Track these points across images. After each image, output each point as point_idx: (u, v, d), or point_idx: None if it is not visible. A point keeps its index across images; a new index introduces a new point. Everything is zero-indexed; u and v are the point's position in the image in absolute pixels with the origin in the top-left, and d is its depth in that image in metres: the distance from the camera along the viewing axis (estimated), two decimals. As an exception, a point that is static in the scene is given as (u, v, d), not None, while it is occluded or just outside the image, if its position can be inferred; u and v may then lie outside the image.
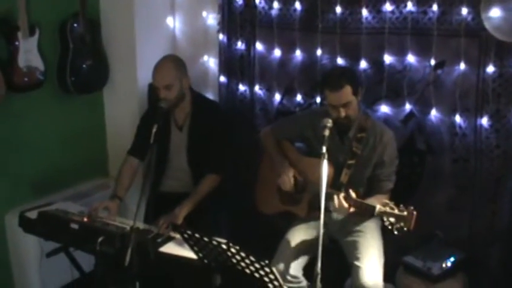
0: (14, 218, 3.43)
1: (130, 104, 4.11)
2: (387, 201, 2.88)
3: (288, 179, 3.30)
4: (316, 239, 2.68)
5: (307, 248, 3.23)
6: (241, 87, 4.12)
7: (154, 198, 3.49)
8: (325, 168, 2.73)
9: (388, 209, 2.83)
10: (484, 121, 3.36)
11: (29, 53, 3.56)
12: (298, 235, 3.29)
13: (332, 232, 3.36)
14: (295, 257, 3.22)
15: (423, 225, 3.54)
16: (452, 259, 3.39)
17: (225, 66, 4.14)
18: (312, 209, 3.22)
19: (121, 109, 4.21)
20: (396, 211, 2.81)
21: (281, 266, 3.16)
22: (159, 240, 3.04)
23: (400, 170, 3.40)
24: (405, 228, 2.79)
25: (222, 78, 4.16)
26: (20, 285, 3.81)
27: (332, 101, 3.13)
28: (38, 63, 3.62)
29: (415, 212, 2.78)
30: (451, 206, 3.54)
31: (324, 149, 2.77)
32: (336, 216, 3.34)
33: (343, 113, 3.11)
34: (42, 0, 3.66)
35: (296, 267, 3.22)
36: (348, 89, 3.09)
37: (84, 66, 3.90)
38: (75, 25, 3.80)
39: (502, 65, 3.26)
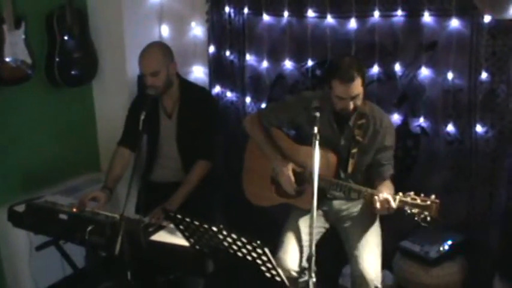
0: (3, 214, 3.36)
1: (121, 97, 4.05)
2: (409, 193, 2.77)
3: (289, 180, 3.13)
4: (318, 228, 2.59)
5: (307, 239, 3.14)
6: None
7: (146, 188, 3.43)
8: (317, 150, 2.68)
9: (409, 200, 2.74)
10: (478, 101, 3.31)
11: (15, 46, 3.52)
12: (300, 226, 3.17)
13: (332, 220, 3.29)
14: (299, 248, 3.12)
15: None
16: (449, 242, 3.35)
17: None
18: (318, 200, 3.10)
19: (111, 102, 4.16)
20: (419, 201, 2.73)
21: (285, 257, 3.08)
22: (150, 229, 3.01)
23: (395, 153, 3.36)
24: (428, 218, 2.71)
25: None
26: (11, 280, 3.76)
27: (342, 93, 2.93)
28: (25, 56, 3.57)
29: (438, 200, 2.71)
30: (447, 189, 3.49)
31: (316, 129, 2.71)
32: (337, 205, 3.26)
33: (351, 106, 2.95)
34: (27, -8, 3.63)
35: (300, 258, 3.12)
36: (359, 81, 2.90)
37: (72, 58, 3.86)
38: (62, 17, 3.75)
39: (496, 44, 3.21)
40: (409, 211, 2.75)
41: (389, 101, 3.55)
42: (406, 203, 2.76)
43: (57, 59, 3.76)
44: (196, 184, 3.33)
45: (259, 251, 2.36)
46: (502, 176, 3.33)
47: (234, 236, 2.39)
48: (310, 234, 2.62)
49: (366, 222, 3.16)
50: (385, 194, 2.79)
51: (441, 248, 3.31)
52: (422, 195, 2.75)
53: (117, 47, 4.03)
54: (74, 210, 3.07)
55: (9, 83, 3.54)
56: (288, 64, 3.87)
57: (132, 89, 4.03)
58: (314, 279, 2.54)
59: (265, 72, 3.97)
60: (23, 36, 3.54)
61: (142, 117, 2.99)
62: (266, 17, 3.86)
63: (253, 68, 4.02)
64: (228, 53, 4.07)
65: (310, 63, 3.77)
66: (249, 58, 4.02)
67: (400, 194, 2.78)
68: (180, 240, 2.83)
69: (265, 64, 3.95)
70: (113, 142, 4.08)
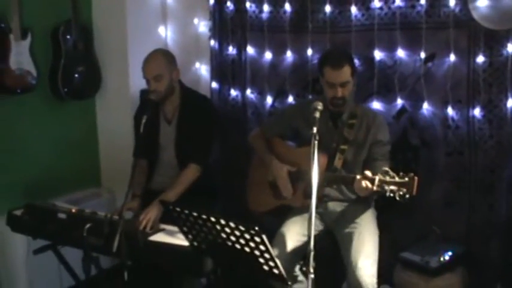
0: (2, 221, 3.35)
1: (123, 112, 4.09)
2: (387, 168, 2.80)
3: (286, 182, 3.24)
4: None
5: (303, 241, 3.15)
6: (233, 92, 4.14)
7: (145, 195, 3.42)
8: (316, 149, 2.69)
9: (388, 178, 2.75)
10: (477, 112, 3.34)
11: (20, 56, 3.59)
12: (293, 228, 3.21)
13: (328, 223, 3.31)
14: (292, 251, 3.13)
15: (419, 221, 3.52)
16: (450, 253, 3.31)
17: (217, 71, 4.17)
18: (308, 197, 3.14)
19: (113, 117, 4.20)
20: (397, 179, 2.73)
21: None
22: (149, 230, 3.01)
23: (394, 166, 3.37)
24: (407, 195, 2.70)
25: (214, 84, 4.19)
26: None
27: (332, 78, 3.12)
28: (29, 67, 3.63)
29: (416, 177, 2.70)
30: (447, 201, 3.49)
31: (315, 129, 2.73)
32: (333, 206, 3.30)
33: (340, 93, 3.12)
34: (35, 5, 3.72)
35: (292, 262, 3.14)
36: (348, 69, 3.12)
37: (76, 72, 3.93)
38: (68, 31, 3.84)
39: (492, 55, 3.27)
40: (386, 188, 2.75)
41: (389, 114, 3.58)
42: (385, 181, 2.76)
43: (61, 72, 3.83)
44: (186, 186, 3.33)
45: (257, 239, 2.36)
46: (502, 186, 3.33)
47: (232, 224, 2.39)
48: (309, 231, 2.60)
49: (364, 229, 3.16)
50: (365, 175, 2.84)
51: (442, 258, 3.26)
52: (401, 173, 2.75)
53: (121, 63, 4.09)
54: (73, 210, 3.07)
55: (13, 92, 3.59)
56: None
57: (134, 105, 4.03)
58: (313, 276, 2.51)
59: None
60: (29, 47, 3.62)
61: (143, 120, 3.02)
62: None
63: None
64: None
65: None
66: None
67: (379, 174, 2.79)
68: (178, 241, 2.84)
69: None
70: (114, 158, 4.12)
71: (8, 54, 3.52)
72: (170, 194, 3.24)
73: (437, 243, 3.40)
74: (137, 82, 3.87)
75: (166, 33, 4.31)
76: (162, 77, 3.32)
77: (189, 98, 3.51)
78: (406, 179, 2.72)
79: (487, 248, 3.38)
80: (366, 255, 3.03)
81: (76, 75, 3.93)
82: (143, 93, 3.90)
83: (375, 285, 2.98)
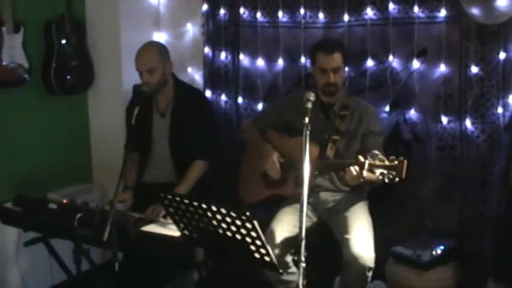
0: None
1: (115, 108, 4.06)
2: (376, 152, 2.82)
3: (274, 164, 3.28)
4: (306, 219, 2.61)
5: (295, 232, 3.13)
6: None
7: (137, 189, 3.41)
8: (307, 139, 2.69)
9: (377, 162, 2.78)
10: (469, 106, 3.35)
11: (13, 49, 3.57)
12: (285, 219, 3.22)
13: (320, 214, 3.33)
14: (285, 242, 3.12)
15: (411, 216, 3.52)
16: (442, 247, 3.31)
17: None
18: (299, 186, 3.14)
19: (106, 112, 4.18)
20: (386, 162, 2.76)
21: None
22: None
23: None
24: (397, 178, 2.71)
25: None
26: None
27: (324, 64, 3.18)
28: (22, 60, 3.62)
29: (405, 161, 2.71)
30: (439, 195, 3.50)
31: (307, 119, 2.74)
32: (324, 196, 3.32)
33: (332, 79, 3.17)
34: (28, -1, 3.71)
35: (285, 253, 3.14)
36: (339, 55, 3.19)
37: (69, 66, 3.91)
38: (61, 26, 3.83)
39: (484, 50, 3.28)
40: (376, 171, 2.77)
41: (381, 108, 3.58)
42: (374, 165, 2.79)
43: (53, 66, 3.80)
44: (193, 184, 3.33)
45: (248, 225, 2.34)
46: (493, 181, 3.34)
47: (223, 210, 2.37)
48: (300, 220, 2.58)
49: (355, 210, 3.21)
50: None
51: (434, 252, 3.27)
52: (391, 156, 2.76)
53: (114, 58, 4.08)
54: (64, 201, 3.05)
55: (5, 86, 3.58)
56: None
57: (127, 101, 4.02)
58: (304, 264, 2.50)
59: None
60: (21, 41, 3.61)
61: (135, 111, 3.00)
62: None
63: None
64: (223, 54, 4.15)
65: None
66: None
67: (369, 158, 2.81)
68: (169, 231, 2.83)
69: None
70: (106, 154, 4.09)
71: (0, 47, 3.51)
72: (180, 190, 3.25)
73: (430, 238, 3.40)
74: (130, 78, 3.86)
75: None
76: (155, 70, 3.31)
77: (183, 91, 3.51)
78: (396, 162, 2.74)
79: (479, 242, 3.38)
80: (361, 232, 3.07)
81: (69, 70, 3.91)
82: (136, 88, 3.89)
83: (372, 260, 2.98)
